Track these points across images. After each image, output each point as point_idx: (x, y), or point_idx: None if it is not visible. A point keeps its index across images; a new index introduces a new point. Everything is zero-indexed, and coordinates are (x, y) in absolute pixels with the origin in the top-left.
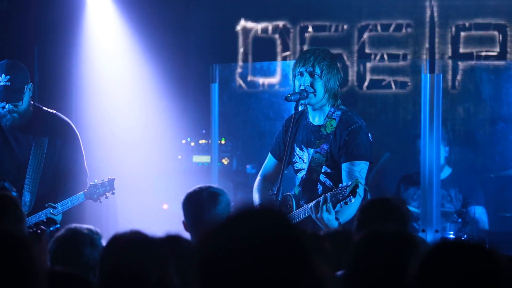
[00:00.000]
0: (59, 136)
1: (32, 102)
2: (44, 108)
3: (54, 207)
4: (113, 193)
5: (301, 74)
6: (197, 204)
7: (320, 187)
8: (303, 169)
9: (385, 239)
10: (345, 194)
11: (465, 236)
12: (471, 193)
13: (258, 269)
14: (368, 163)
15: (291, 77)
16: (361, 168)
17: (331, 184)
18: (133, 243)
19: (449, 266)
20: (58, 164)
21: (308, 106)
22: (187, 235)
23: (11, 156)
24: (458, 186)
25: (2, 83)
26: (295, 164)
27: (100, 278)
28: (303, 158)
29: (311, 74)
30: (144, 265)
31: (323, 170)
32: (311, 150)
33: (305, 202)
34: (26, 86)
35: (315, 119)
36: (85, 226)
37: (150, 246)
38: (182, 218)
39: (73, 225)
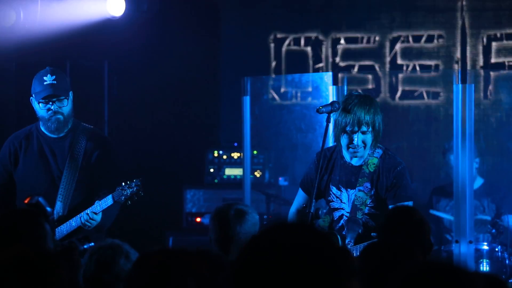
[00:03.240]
0: (96, 150)
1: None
2: (83, 123)
3: (95, 213)
4: (141, 194)
5: (353, 132)
6: (223, 220)
7: (361, 227)
8: (341, 208)
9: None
10: None
11: (499, 246)
12: (503, 202)
13: (294, 284)
14: (412, 202)
15: (334, 129)
16: None
17: (373, 224)
18: (160, 264)
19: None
20: (93, 178)
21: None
22: None
23: (45, 168)
24: (490, 196)
25: (49, 82)
26: (331, 203)
27: None
28: (341, 198)
29: (364, 132)
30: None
31: (366, 211)
32: (351, 191)
33: (350, 241)
34: (69, 90)
35: (354, 159)
36: (125, 243)
37: (178, 267)
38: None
39: (113, 239)
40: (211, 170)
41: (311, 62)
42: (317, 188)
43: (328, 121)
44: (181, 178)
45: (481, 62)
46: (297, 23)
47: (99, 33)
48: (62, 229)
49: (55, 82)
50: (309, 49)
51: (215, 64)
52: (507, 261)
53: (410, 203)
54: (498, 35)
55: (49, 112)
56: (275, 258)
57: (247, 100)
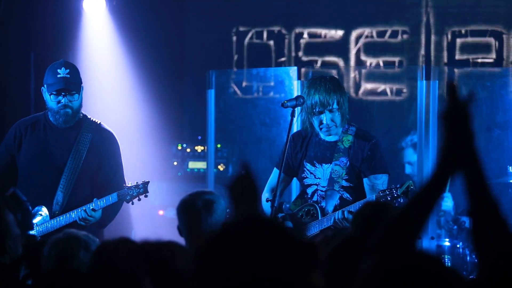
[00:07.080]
0: (102, 146)
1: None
2: (89, 116)
3: (93, 210)
4: (146, 196)
5: (321, 112)
6: (192, 213)
7: (338, 200)
8: (315, 184)
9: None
10: (395, 194)
11: (460, 242)
12: (461, 199)
13: (256, 281)
14: (388, 175)
15: (301, 114)
16: (383, 180)
17: (348, 197)
18: (119, 250)
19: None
20: (99, 174)
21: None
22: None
23: (48, 157)
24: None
25: (62, 75)
26: (304, 180)
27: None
28: (315, 173)
29: (330, 110)
30: (128, 272)
31: (342, 184)
32: (326, 166)
33: (328, 211)
34: (81, 84)
35: (328, 136)
36: (82, 231)
37: (135, 255)
38: (177, 224)
39: (71, 229)
40: (175, 163)
41: (273, 56)
42: (290, 166)
43: (292, 115)
44: (144, 171)
45: (445, 58)
46: (260, 16)
47: (63, 25)
48: (61, 220)
49: (68, 76)
50: (271, 43)
51: (179, 57)
52: (468, 258)
53: (385, 176)
54: (463, 31)
55: (59, 104)
56: (238, 253)
57: (211, 93)
